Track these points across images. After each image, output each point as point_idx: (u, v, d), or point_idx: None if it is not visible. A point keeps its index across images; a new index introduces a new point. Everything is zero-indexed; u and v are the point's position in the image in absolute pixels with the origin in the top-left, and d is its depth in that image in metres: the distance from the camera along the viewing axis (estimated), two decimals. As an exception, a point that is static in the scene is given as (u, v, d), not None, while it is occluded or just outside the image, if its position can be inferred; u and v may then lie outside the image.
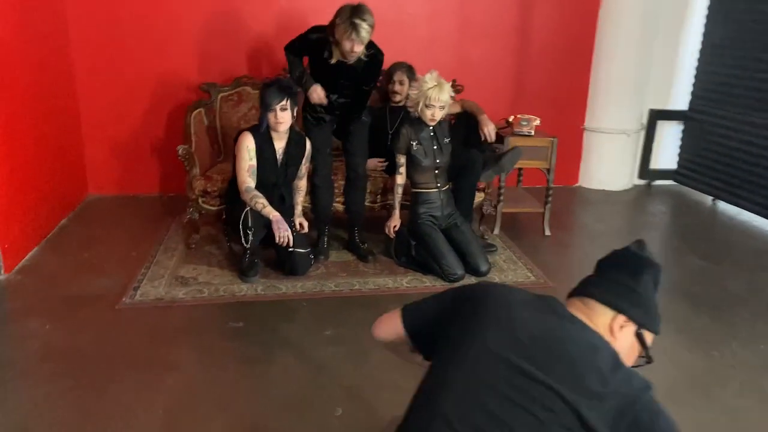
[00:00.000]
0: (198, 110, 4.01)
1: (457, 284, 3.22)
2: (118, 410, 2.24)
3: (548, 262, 3.76)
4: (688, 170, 5.30)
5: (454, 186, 3.69)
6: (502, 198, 4.13)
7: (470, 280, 3.41)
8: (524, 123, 4.10)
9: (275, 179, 3.32)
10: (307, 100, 3.43)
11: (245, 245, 3.25)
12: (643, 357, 1.30)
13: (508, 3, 4.91)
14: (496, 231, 4.17)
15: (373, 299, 3.17)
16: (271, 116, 3.15)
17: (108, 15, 4.40)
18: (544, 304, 1.29)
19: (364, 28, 3.06)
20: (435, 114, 3.37)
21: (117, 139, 4.69)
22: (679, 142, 5.41)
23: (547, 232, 4.21)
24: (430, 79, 3.32)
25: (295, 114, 3.25)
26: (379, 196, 3.79)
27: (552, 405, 1.11)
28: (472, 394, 1.16)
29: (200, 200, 3.62)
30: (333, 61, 3.25)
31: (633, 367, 1.27)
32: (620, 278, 1.29)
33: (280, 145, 3.30)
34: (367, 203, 3.78)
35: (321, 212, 3.65)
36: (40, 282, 3.28)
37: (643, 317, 1.27)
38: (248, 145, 3.21)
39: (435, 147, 3.46)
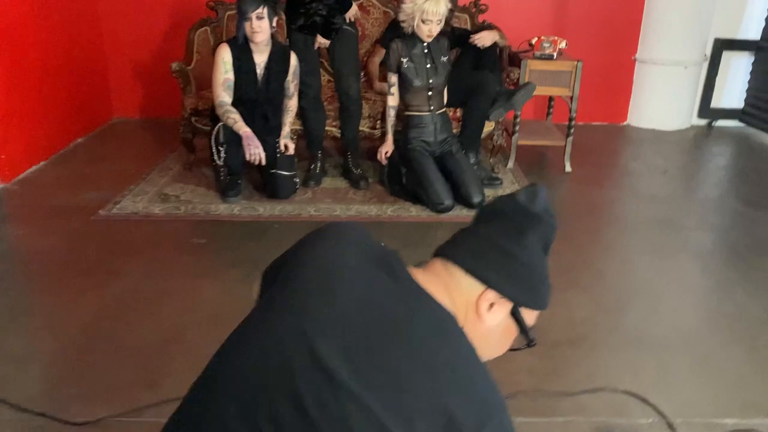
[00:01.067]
0: (203, 29, 3.93)
1: (444, 216, 3.10)
2: (49, 311, 2.25)
3: (557, 199, 3.45)
4: (757, 109, 4.67)
5: (463, 111, 3.42)
6: (517, 129, 3.80)
7: (461, 212, 3.18)
8: (546, 45, 3.71)
9: (255, 95, 3.18)
10: (289, 10, 3.24)
11: (218, 162, 3.17)
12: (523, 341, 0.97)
13: None
14: (510, 164, 3.87)
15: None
16: (246, 25, 3.00)
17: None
18: (387, 267, 0.93)
19: None
20: (432, 29, 3.09)
21: (139, 62, 4.71)
22: (748, 77, 4.76)
23: (568, 168, 3.85)
24: (426, -9, 3.03)
25: (274, 24, 3.08)
26: (379, 122, 3.57)
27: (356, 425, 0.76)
28: (255, 389, 0.82)
29: (192, 119, 3.56)
30: None
31: (511, 350, 0.98)
32: (498, 238, 0.92)
33: (260, 58, 3.15)
34: (366, 128, 3.59)
35: (311, 136, 3.51)
36: (34, 192, 3.37)
37: (521, 293, 0.93)
38: (224, 56, 3.09)
39: (429, 65, 3.19)
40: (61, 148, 4.03)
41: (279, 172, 3.23)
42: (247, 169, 3.33)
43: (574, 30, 4.54)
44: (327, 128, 3.57)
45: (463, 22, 4.11)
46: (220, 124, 3.08)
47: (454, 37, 3.49)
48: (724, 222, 3.27)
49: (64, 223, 2.98)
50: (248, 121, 3.14)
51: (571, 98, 3.71)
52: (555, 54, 3.70)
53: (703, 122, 4.95)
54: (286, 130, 3.33)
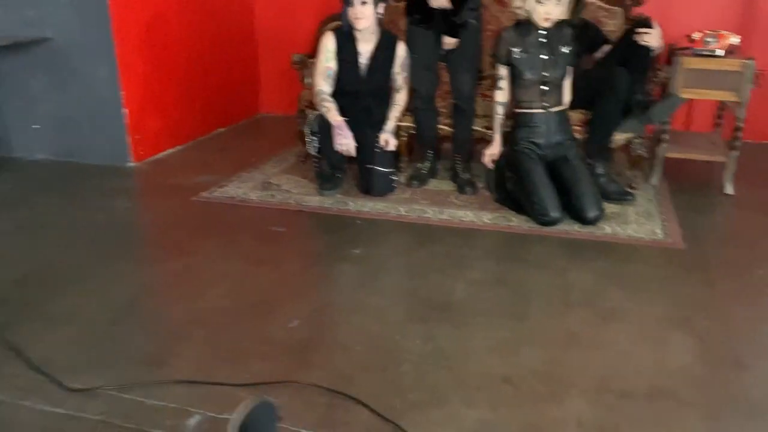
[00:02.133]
0: (336, 23, 3.91)
1: (549, 229, 2.69)
2: (106, 278, 2.32)
3: (704, 224, 2.85)
4: None
5: (592, 113, 2.99)
6: (666, 137, 3.21)
7: (572, 227, 2.74)
8: (711, 40, 3.09)
9: (358, 86, 3.06)
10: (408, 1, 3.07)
11: (312, 153, 3.08)
12: None
13: None
14: (654, 180, 3.28)
15: (435, 230, 2.76)
16: (350, 11, 2.89)
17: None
18: None
19: None
20: (550, 11, 2.72)
21: (288, 61, 4.88)
22: None
23: (729, 190, 3.17)
24: (539, -29, 2.67)
25: (381, 11, 2.94)
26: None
27: None
28: None
29: (307, 111, 3.54)
30: None
31: None
32: None
33: (366, 47, 3.02)
34: (480, 128, 3.29)
35: (422, 136, 3.31)
36: (157, 172, 3.60)
37: None
38: (327, 45, 3.03)
39: (545, 57, 2.81)
40: (200, 136, 4.28)
41: (375, 167, 3.07)
42: (348, 164, 3.22)
43: (763, 32, 3.77)
44: (440, 127, 3.33)
45: (615, 16, 3.61)
46: (316, 112, 3.00)
47: (586, 37, 3.05)
48: None
49: (167, 202, 3.12)
50: (349, 113, 3.04)
51: (739, 104, 3.04)
52: (722, 50, 3.06)
53: None
54: (391, 124, 3.15)
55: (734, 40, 3.09)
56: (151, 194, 3.25)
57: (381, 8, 2.94)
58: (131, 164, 3.66)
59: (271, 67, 4.93)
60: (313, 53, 3.74)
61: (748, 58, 2.98)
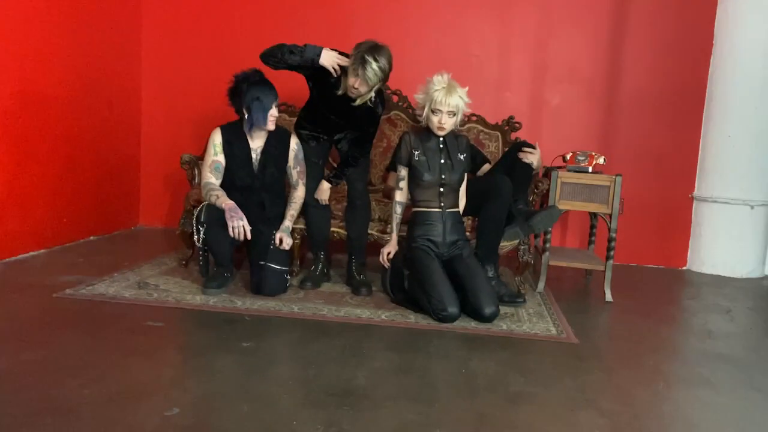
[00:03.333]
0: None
1: (447, 324, 2.64)
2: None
3: (592, 324, 2.95)
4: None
5: (479, 218, 3.09)
6: (548, 246, 3.38)
7: (469, 323, 2.71)
8: (582, 158, 3.42)
9: (251, 181, 3.00)
10: (302, 113, 3.20)
11: (197, 244, 2.91)
12: None
13: (592, 43, 4.36)
14: (540, 287, 3.39)
15: (331, 326, 2.61)
16: (269, 115, 2.93)
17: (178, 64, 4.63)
18: None
19: (373, 68, 2.76)
20: (443, 120, 2.88)
21: (173, 173, 4.75)
22: (829, 221, 4.22)
23: (609, 297, 3.33)
24: (438, 81, 2.87)
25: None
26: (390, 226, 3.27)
27: None
28: None
29: (194, 212, 3.38)
30: (339, 92, 2.95)
31: None
32: None
33: (257, 143, 3.01)
34: (375, 232, 3.30)
35: (313, 234, 3.25)
36: (13, 271, 3.21)
37: None
38: (214, 139, 3.02)
39: (443, 161, 2.93)
40: (68, 242, 3.94)
41: (268, 264, 2.92)
42: (236, 269, 3.06)
43: (621, 163, 4.25)
44: (334, 229, 3.30)
45: (494, 139, 3.93)
46: (204, 203, 2.87)
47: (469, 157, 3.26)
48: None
49: (23, 298, 2.75)
50: (243, 208, 2.93)
51: (610, 216, 3.30)
52: (590, 168, 3.38)
53: (779, 271, 4.34)
54: (286, 223, 3.06)
55: (601, 160, 3.44)
56: (7, 291, 2.84)
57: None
58: None
59: (153, 174, 4.76)
60: (202, 155, 3.69)
61: (617, 175, 3.29)
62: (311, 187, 3.16)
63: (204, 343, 2.36)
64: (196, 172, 3.49)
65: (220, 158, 2.99)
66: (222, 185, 3.00)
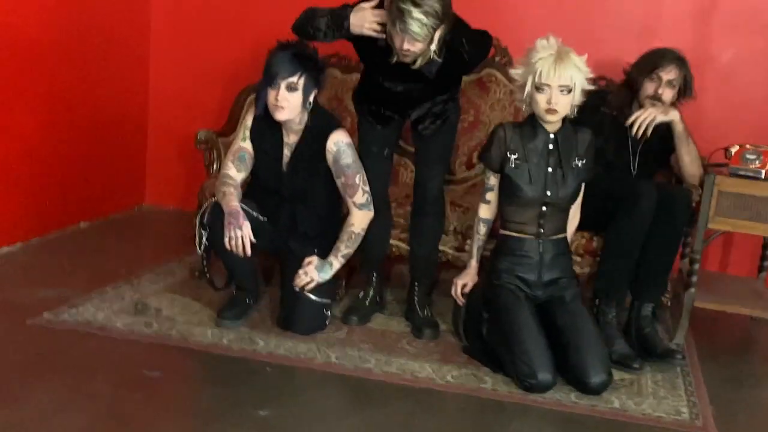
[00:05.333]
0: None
1: (536, 397, 2.72)
2: None
3: (739, 402, 2.95)
4: None
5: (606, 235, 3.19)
6: (694, 280, 3.35)
7: (568, 396, 2.78)
8: (751, 156, 3.33)
9: (278, 185, 3.16)
10: (359, 86, 3.30)
11: (198, 251, 3.14)
12: None
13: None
14: (679, 338, 3.38)
15: (376, 388, 2.75)
16: (272, 94, 2.97)
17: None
18: None
19: (416, 18, 2.71)
20: (553, 100, 2.86)
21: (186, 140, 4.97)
22: None
23: (777, 355, 3.31)
24: (543, 47, 2.87)
25: (309, 102, 3.05)
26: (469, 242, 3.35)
27: None
28: None
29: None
30: (393, 60, 2.98)
31: None
32: None
33: (291, 138, 3.13)
34: (448, 249, 3.41)
35: (366, 252, 3.34)
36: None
37: None
38: (246, 120, 3.16)
39: (551, 170, 2.96)
40: (53, 230, 4.28)
41: (305, 294, 3.08)
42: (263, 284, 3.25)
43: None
44: (393, 242, 3.44)
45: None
46: (212, 200, 3.06)
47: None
48: None
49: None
50: (272, 218, 3.13)
51: (785, 245, 3.24)
52: (764, 171, 3.29)
53: None
54: (330, 258, 3.12)
55: (778, 158, 3.34)
56: None
57: (312, 97, 3.05)
58: None
59: (163, 144, 5.01)
60: (222, 131, 3.86)
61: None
62: (377, 186, 3.23)
63: (211, 408, 2.54)
64: (215, 155, 3.65)
65: (248, 145, 3.14)
66: (250, 182, 3.17)
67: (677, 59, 3.30)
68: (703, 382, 3.05)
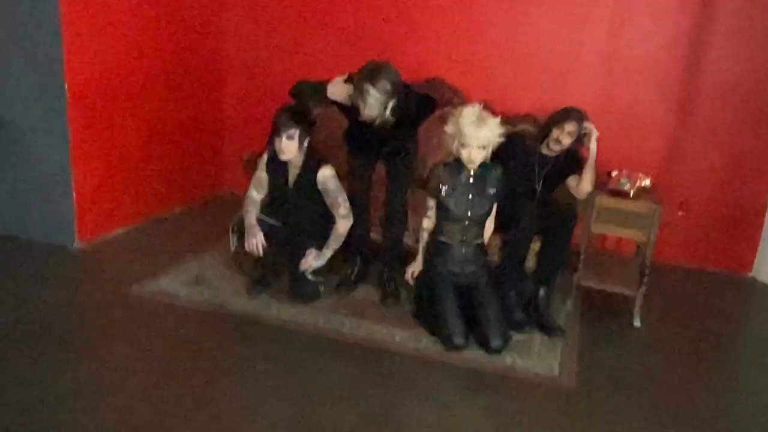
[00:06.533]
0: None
1: (453, 356, 2.76)
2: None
3: (601, 363, 2.89)
4: None
5: (543, 238, 3.18)
6: (581, 265, 3.32)
7: (476, 355, 2.81)
8: (624, 180, 3.25)
9: (286, 199, 3.18)
10: (346, 132, 3.28)
11: (231, 248, 3.27)
12: None
13: (672, 34, 3.95)
14: (569, 306, 3.37)
15: (345, 347, 2.83)
16: (277, 142, 3.01)
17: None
18: None
19: (373, 95, 2.72)
20: (472, 155, 2.85)
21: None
22: None
23: (637, 323, 3.26)
24: (467, 114, 2.82)
25: (304, 146, 3.04)
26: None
27: None
28: None
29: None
30: (360, 118, 2.92)
31: None
32: None
33: (293, 172, 3.15)
34: (409, 241, 3.41)
35: (352, 240, 3.37)
36: (94, 257, 3.65)
37: None
38: (264, 158, 3.19)
39: (470, 196, 2.93)
40: (154, 215, 4.34)
41: (306, 275, 3.18)
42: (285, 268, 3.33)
43: (690, 164, 4.00)
44: (372, 235, 3.44)
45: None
46: (239, 213, 3.15)
47: (568, 161, 3.25)
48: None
49: (94, 292, 3.19)
50: (284, 222, 3.22)
51: (646, 245, 3.17)
52: (631, 192, 3.21)
53: None
54: (324, 250, 3.16)
55: (646, 182, 3.25)
56: (80, 282, 3.32)
57: (305, 143, 3.04)
58: (77, 246, 3.71)
59: (235, 144, 4.96)
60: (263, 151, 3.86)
61: (657, 204, 3.12)
62: (360, 200, 3.26)
63: (234, 363, 2.65)
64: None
65: (265, 175, 3.18)
66: (270, 197, 3.22)
67: (578, 118, 3.16)
68: (577, 342, 3.03)
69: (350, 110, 2.98)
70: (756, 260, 4.13)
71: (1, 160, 3.68)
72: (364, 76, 2.75)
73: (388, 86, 2.75)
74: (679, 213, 4.11)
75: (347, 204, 3.13)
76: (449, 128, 2.90)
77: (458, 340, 2.80)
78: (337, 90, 2.94)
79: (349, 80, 2.91)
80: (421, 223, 3.11)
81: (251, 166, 3.70)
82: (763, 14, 3.78)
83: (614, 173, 3.34)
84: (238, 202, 4.72)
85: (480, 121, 2.80)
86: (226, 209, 4.68)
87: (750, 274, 4.15)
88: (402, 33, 4.36)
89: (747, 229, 4.10)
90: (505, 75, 4.23)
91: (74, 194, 3.65)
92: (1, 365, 2.45)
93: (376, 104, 2.77)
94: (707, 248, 4.19)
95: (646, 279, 3.23)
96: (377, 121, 2.90)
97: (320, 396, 2.42)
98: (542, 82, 4.16)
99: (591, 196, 3.23)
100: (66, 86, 3.46)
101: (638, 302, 3.26)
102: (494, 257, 3.22)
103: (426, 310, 3.01)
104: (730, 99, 3.95)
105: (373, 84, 2.72)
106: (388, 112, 2.86)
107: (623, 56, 4.05)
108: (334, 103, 3.02)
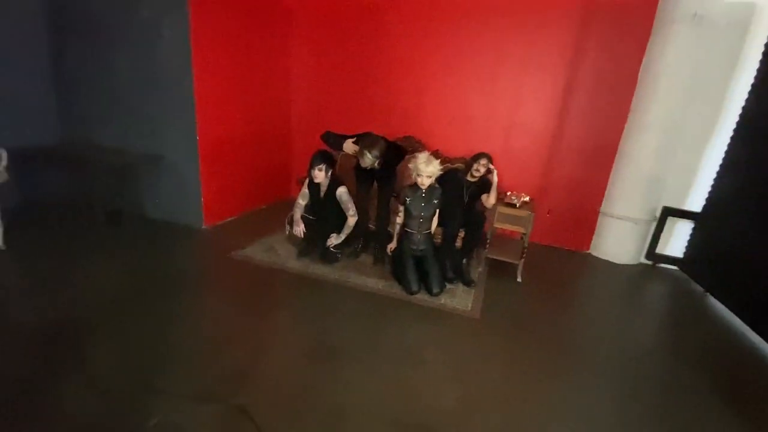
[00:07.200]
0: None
1: (412, 297, 2.81)
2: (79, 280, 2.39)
3: (497, 302, 2.94)
4: (690, 262, 3.64)
5: (466, 231, 3.15)
6: (488, 243, 3.36)
7: (424, 297, 2.87)
8: (514, 197, 3.28)
9: (320, 208, 3.21)
10: (355, 167, 3.26)
11: (286, 233, 3.29)
12: None
13: (547, 111, 3.94)
14: (480, 269, 3.41)
15: (350, 292, 2.87)
16: (312, 171, 3.04)
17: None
18: None
19: (368, 157, 2.83)
20: (423, 181, 2.89)
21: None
22: (688, 237, 3.74)
23: (519, 279, 3.30)
24: (421, 157, 2.86)
25: (329, 174, 3.06)
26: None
27: None
28: None
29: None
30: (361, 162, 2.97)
31: None
32: None
33: (323, 188, 3.17)
34: (391, 229, 3.42)
35: (357, 229, 3.40)
36: (217, 234, 3.64)
37: None
38: (307, 181, 3.20)
39: (423, 204, 2.96)
40: (252, 209, 4.28)
41: (327, 246, 3.21)
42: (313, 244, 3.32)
43: (556, 186, 3.99)
44: (370, 225, 3.46)
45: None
46: (291, 212, 3.19)
47: (482, 185, 3.22)
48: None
49: (206, 257, 3.19)
50: (317, 218, 3.21)
51: (524, 234, 3.20)
52: (517, 204, 3.24)
53: (649, 263, 3.97)
54: (340, 234, 3.19)
55: (527, 198, 3.28)
56: (206, 249, 3.34)
57: (330, 173, 3.07)
58: (204, 227, 3.74)
59: (298, 167, 4.77)
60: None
61: (529, 212, 3.15)
62: (362, 198, 3.25)
63: (264, 295, 2.70)
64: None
65: (307, 190, 3.21)
66: (310, 202, 3.22)
67: (488, 158, 3.16)
68: (482, 291, 3.07)
69: (356, 157, 3.01)
70: (592, 242, 4.14)
71: (162, 178, 3.72)
72: (365, 145, 2.81)
73: (377, 153, 2.85)
74: (547, 215, 4.12)
75: (354, 208, 3.16)
76: (411, 165, 2.93)
77: (414, 287, 2.86)
78: (349, 147, 2.99)
79: (355, 142, 2.96)
80: (396, 219, 3.15)
81: (301, 184, 3.74)
82: (608, 96, 3.75)
83: (509, 193, 3.37)
84: (293, 205, 4.77)
85: (428, 161, 2.84)
86: (288, 209, 4.68)
87: (588, 251, 4.18)
88: (395, 105, 4.34)
89: (586, 223, 4.10)
90: (450, 133, 4.23)
91: (202, 198, 3.68)
92: (161, 298, 2.51)
93: (369, 161, 2.86)
94: (563, 235, 4.20)
95: (524, 253, 3.26)
96: (369, 167, 2.95)
97: (334, 320, 2.49)
98: (471, 137, 4.16)
99: (494, 206, 3.26)
100: (197, 137, 3.49)
101: (520, 267, 3.30)
102: (437, 240, 3.27)
103: (397, 269, 3.06)
104: (581, 150, 3.94)
105: (369, 151, 2.80)
106: (376, 163, 2.94)
107: (518, 123, 4.04)
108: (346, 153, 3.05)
